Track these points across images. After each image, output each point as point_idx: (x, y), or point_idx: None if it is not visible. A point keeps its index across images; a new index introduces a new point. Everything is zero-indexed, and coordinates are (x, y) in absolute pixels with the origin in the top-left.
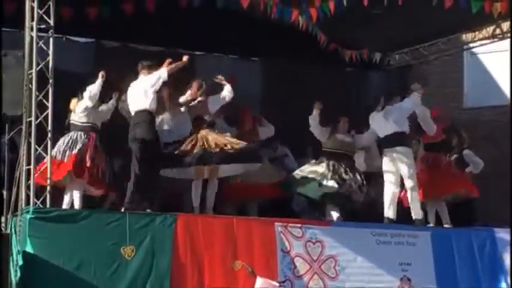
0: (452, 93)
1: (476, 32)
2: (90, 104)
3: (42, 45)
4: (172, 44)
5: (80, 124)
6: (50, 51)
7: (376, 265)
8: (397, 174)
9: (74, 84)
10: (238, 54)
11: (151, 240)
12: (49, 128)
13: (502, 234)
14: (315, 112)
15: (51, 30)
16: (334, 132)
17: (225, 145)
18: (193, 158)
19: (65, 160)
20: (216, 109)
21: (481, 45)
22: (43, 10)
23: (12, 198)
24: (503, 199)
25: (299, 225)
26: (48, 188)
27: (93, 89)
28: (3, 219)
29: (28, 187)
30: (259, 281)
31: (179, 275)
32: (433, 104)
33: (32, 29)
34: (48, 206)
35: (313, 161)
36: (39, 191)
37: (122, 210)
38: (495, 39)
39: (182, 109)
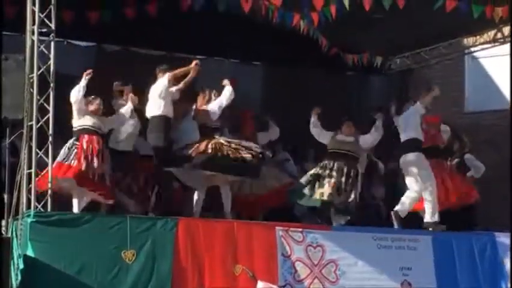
0: (454, 98)
1: (478, 36)
2: (76, 107)
3: (43, 49)
4: (174, 48)
5: (79, 128)
6: (51, 55)
7: (377, 269)
8: (411, 179)
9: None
10: (239, 58)
11: (152, 244)
12: (50, 132)
13: (503, 238)
14: (313, 118)
15: (52, 34)
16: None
17: (241, 149)
18: (201, 161)
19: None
20: (218, 115)
21: (482, 49)
22: (44, 14)
23: (13, 202)
24: (504, 203)
25: (300, 229)
26: (49, 191)
27: (74, 91)
28: (4, 223)
29: (29, 191)
30: (260, 285)
31: (180, 279)
32: (434, 108)
33: (33, 33)
34: (49, 209)
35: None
36: (40, 195)
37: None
38: (496, 44)
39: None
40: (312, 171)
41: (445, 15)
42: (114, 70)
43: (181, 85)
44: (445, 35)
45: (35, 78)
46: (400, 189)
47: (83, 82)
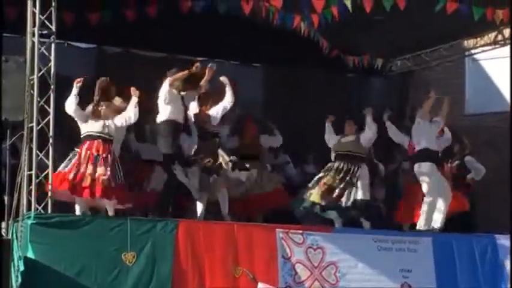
0: (454, 100)
1: (478, 38)
2: (75, 116)
3: (44, 51)
4: (174, 49)
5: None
6: (52, 57)
7: (377, 272)
8: (426, 188)
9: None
10: (240, 60)
11: (153, 247)
12: (50, 133)
13: (503, 240)
14: (327, 124)
15: (52, 36)
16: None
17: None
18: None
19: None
20: (218, 120)
21: (483, 51)
22: (45, 16)
23: (14, 204)
24: (504, 206)
25: (300, 231)
26: (50, 193)
27: (67, 105)
28: (4, 224)
29: (29, 193)
30: (260, 287)
31: (180, 281)
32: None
33: (33, 35)
34: (49, 211)
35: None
36: (41, 196)
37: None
38: (497, 46)
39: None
40: (317, 176)
41: (445, 17)
42: (114, 72)
43: (199, 89)
44: (446, 37)
45: (36, 80)
46: (400, 190)
47: (74, 91)
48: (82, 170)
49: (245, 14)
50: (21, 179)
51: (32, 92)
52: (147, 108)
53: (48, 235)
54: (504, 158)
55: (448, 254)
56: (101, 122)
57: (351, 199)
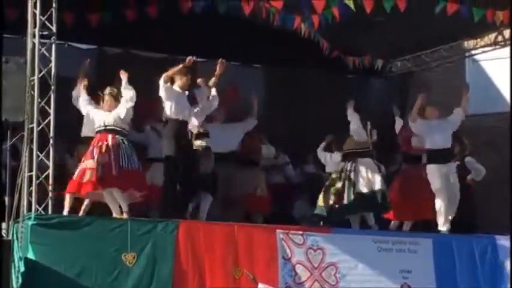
0: (454, 100)
1: (478, 39)
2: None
3: (44, 52)
4: (174, 50)
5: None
6: (52, 58)
7: (377, 272)
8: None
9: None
10: (240, 61)
11: (153, 247)
12: (51, 134)
13: (503, 241)
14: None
15: (53, 37)
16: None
17: None
18: None
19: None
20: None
21: (483, 52)
22: (45, 16)
23: (14, 205)
24: (504, 206)
25: (300, 232)
26: (50, 194)
27: (80, 102)
28: (4, 225)
29: (30, 193)
30: None
31: (181, 282)
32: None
33: (34, 36)
34: (49, 212)
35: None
36: (41, 197)
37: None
38: (497, 46)
39: None
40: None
41: (445, 18)
42: (115, 72)
43: (210, 85)
44: (446, 37)
45: (36, 81)
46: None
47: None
48: (81, 167)
49: (245, 14)
50: (21, 180)
51: (32, 92)
52: (147, 108)
53: (49, 236)
54: (504, 158)
55: (448, 254)
56: (106, 114)
57: (351, 194)
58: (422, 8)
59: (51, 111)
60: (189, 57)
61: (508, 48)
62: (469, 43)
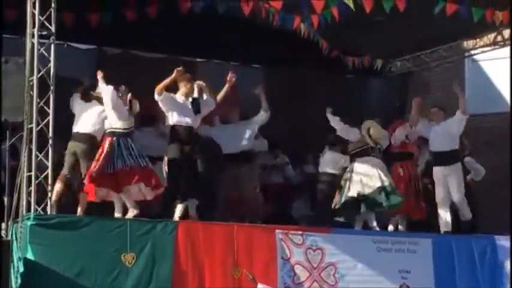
0: (454, 100)
1: (478, 39)
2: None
3: (44, 52)
4: (174, 50)
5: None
6: (51, 58)
7: (376, 273)
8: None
9: (75, 91)
10: (239, 61)
11: (152, 248)
12: (50, 134)
13: (503, 241)
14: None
15: (52, 37)
16: None
17: None
18: None
19: None
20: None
21: (483, 52)
22: (44, 17)
23: (13, 205)
24: (504, 206)
25: (300, 232)
26: (50, 194)
27: (109, 99)
28: (4, 225)
29: (29, 194)
30: None
31: (180, 282)
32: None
33: (33, 36)
34: (49, 212)
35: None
36: (40, 197)
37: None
38: (496, 46)
39: None
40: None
41: (445, 18)
42: (114, 73)
43: (218, 97)
44: (446, 37)
45: (35, 81)
46: None
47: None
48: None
49: (245, 15)
50: (20, 180)
51: (31, 93)
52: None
53: (48, 236)
54: (504, 158)
55: (448, 254)
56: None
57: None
58: (421, 8)
59: (50, 111)
60: (177, 69)
61: (507, 48)
62: (468, 43)
